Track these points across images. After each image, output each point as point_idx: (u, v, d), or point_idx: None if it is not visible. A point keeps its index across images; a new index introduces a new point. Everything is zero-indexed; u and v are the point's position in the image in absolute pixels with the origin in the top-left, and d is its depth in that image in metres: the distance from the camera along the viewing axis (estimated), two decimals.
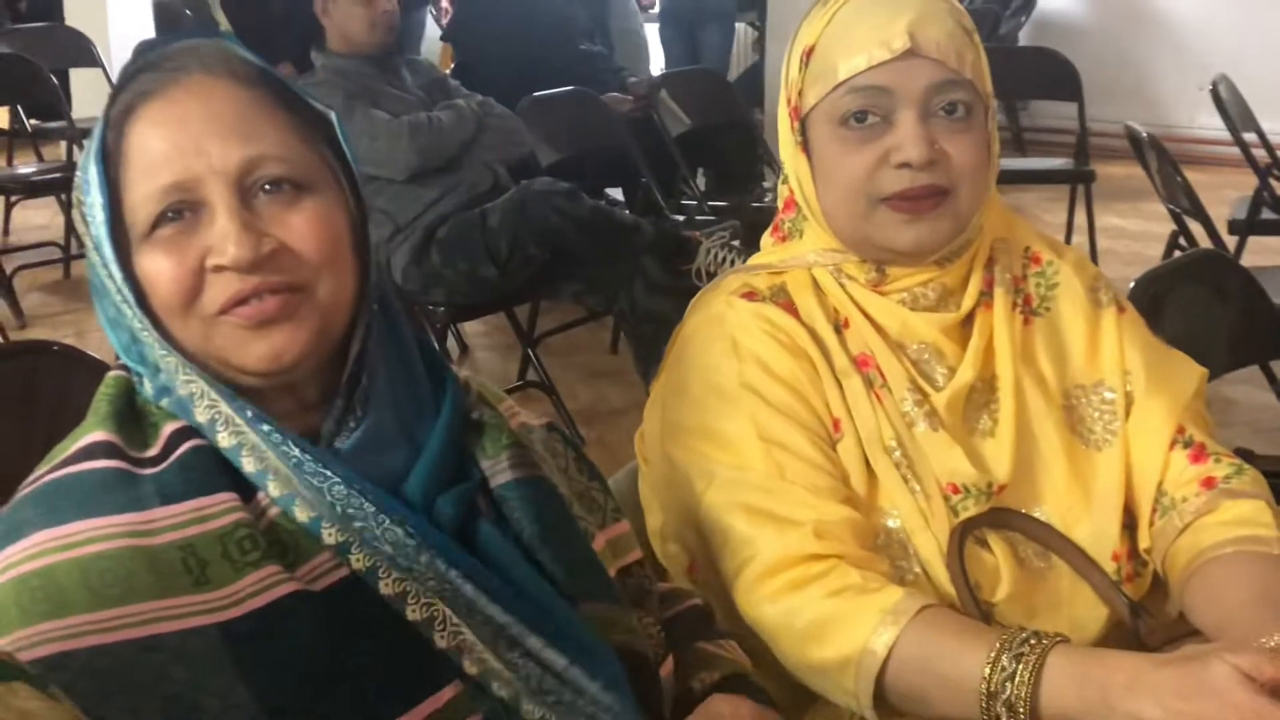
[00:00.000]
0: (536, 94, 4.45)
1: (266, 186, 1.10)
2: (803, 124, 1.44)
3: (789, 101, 1.45)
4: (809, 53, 1.42)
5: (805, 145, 1.44)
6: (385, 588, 1.08)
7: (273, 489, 1.09)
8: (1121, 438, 1.45)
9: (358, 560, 1.08)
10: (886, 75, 1.37)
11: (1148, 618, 1.39)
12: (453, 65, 5.71)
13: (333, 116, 1.17)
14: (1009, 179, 5.60)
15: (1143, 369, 1.47)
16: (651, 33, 7.39)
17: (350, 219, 1.15)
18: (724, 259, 3.74)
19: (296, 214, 1.10)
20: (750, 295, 1.44)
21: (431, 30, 7.36)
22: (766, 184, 5.39)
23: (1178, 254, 4.02)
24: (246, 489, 1.09)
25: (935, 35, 1.38)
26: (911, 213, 1.39)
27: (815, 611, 1.31)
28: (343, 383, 1.14)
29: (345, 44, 3.94)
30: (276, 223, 1.10)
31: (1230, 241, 4.23)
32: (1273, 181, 4.54)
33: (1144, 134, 3.80)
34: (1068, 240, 5.34)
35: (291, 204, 1.11)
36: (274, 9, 5.41)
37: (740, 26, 8.08)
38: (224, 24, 5.87)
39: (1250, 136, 4.57)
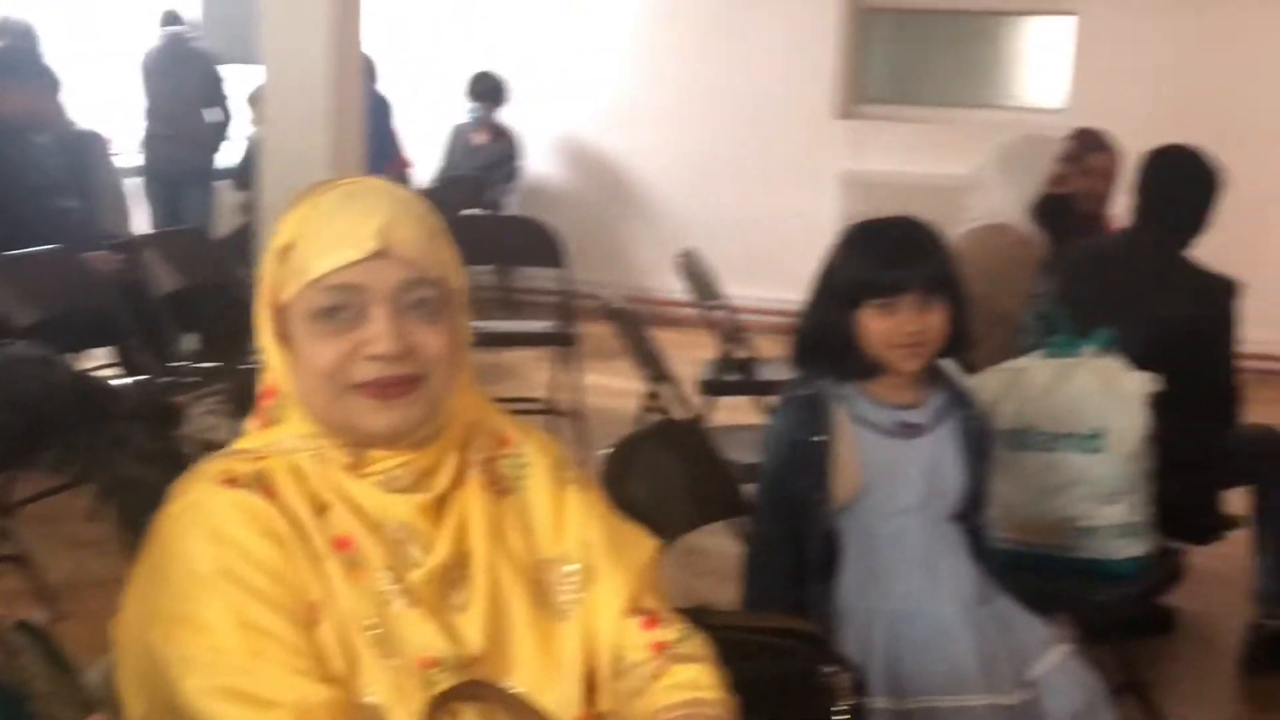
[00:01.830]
0: (9, 253, 4.29)
1: None
2: (281, 315, 1.50)
3: (267, 295, 1.50)
4: (286, 249, 1.49)
5: (284, 336, 1.50)
6: None
7: None
8: (583, 607, 1.57)
9: None
10: (358, 274, 1.46)
11: None
12: None
13: None
14: (500, 340, 5.82)
15: (602, 542, 1.59)
16: (135, 189, 7.22)
17: None
18: (214, 424, 3.70)
19: None
20: (230, 482, 1.47)
21: None
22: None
23: (651, 414, 4.30)
24: None
25: (404, 237, 1.47)
26: (384, 399, 1.47)
27: None
28: None
29: None
30: None
31: (701, 401, 4.55)
32: (736, 345, 4.94)
33: (618, 303, 4.07)
34: (554, 399, 5.60)
35: None
36: None
37: (222, 186, 8.00)
38: None
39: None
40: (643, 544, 1.65)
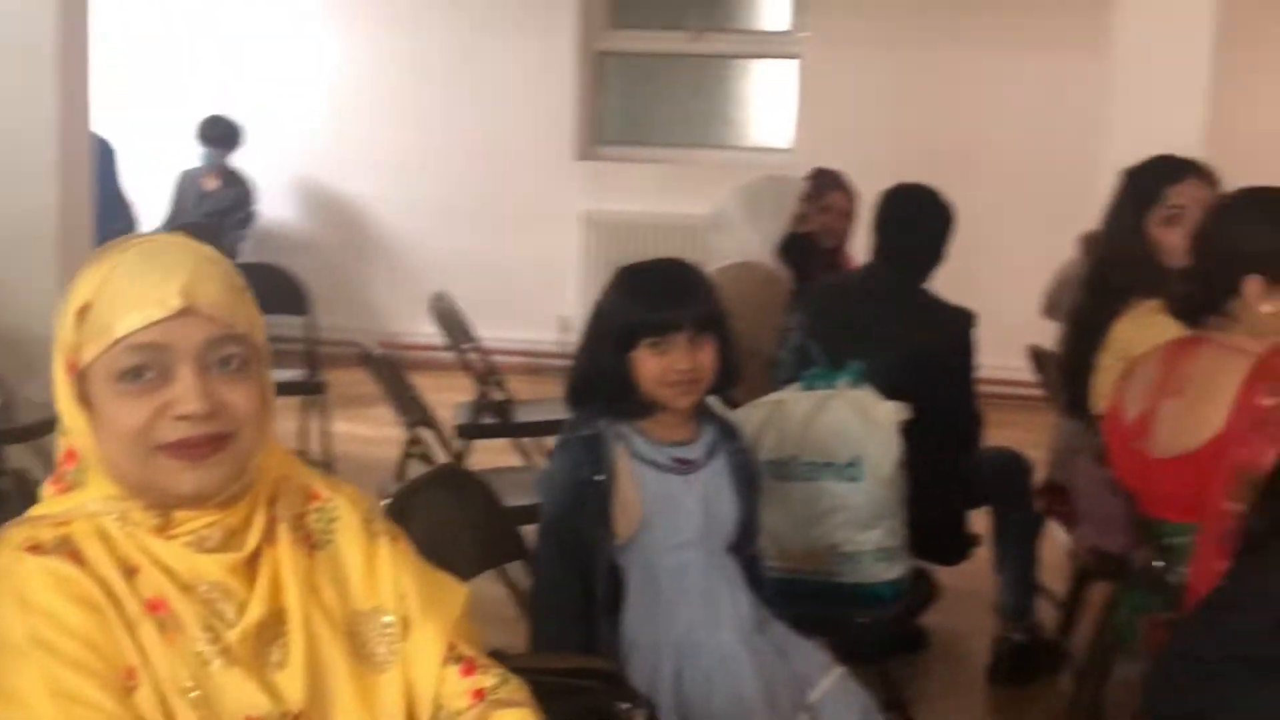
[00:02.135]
0: None
1: None
2: (81, 378, 1.46)
3: (66, 357, 1.46)
4: (85, 310, 1.45)
5: (84, 399, 1.46)
6: None
7: None
8: (401, 658, 1.57)
9: None
10: (162, 333, 1.44)
11: None
12: None
13: None
14: None
15: (415, 593, 1.60)
16: None
17: None
18: None
19: None
20: (35, 549, 1.43)
21: None
22: None
23: (411, 461, 4.28)
24: None
25: (208, 294, 1.46)
26: (192, 459, 1.45)
27: None
28: None
29: None
30: None
31: (459, 445, 4.55)
32: (491, 387, 4.95)
33: (374, 349, 4.04)
34: (304, 448, 5.50)
35: None
36: None
37: None
38: None
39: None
40: (455, 592, 1.66)
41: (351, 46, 8.10)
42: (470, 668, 1.59)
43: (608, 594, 2.54)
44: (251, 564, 1.51)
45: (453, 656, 1.59)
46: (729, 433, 2.73)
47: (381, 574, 1.60)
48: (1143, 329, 3.15)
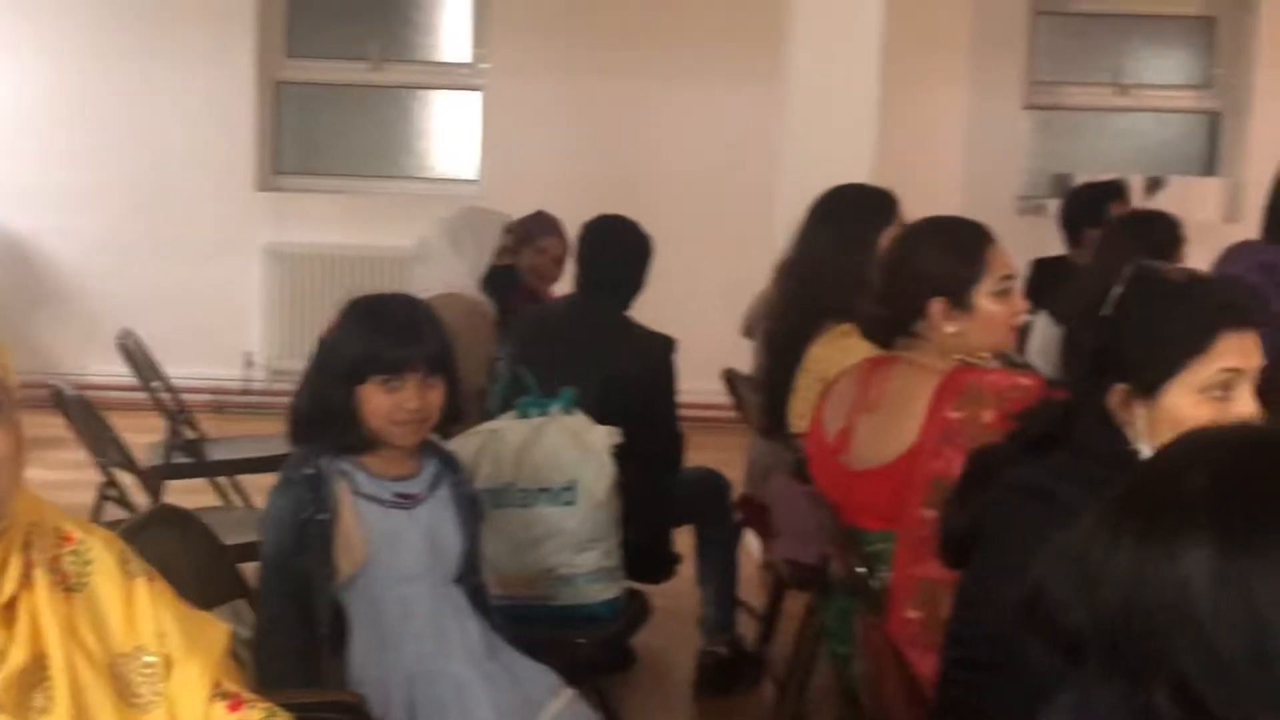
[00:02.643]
0: None
1: None
2: None
3: None
4: None
5: None
6: None
7: None
8: (166, 698, 1.55)
9: None
10: None
11: None
12: None
13: None
14: None
15: (175, 631, 1.59)
16: None
17: None
18: None
19: None
20: None
21: None
22: None
23: (106, 504, 4.14)
24: None
25: None
26: None
27: None
28: None
29: None
30: None
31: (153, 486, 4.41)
32: (182, 426, 4.82)
33: (67, 390, 3.89)
34: None
35: None
36: None
37: None
38: None
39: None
40: (216, 629, 1.65)
41: (18, 77, 7.72)
42: (236, 704, 1.59)
43: (332, 632, 2.54)
44: (9, 610, 1.48)
45: (218, 693, 1.59)
46: (450, 465, 2.76)
47: (141, 614, 1.58)
48: (837, 350, 3.34)
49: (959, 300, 2.80)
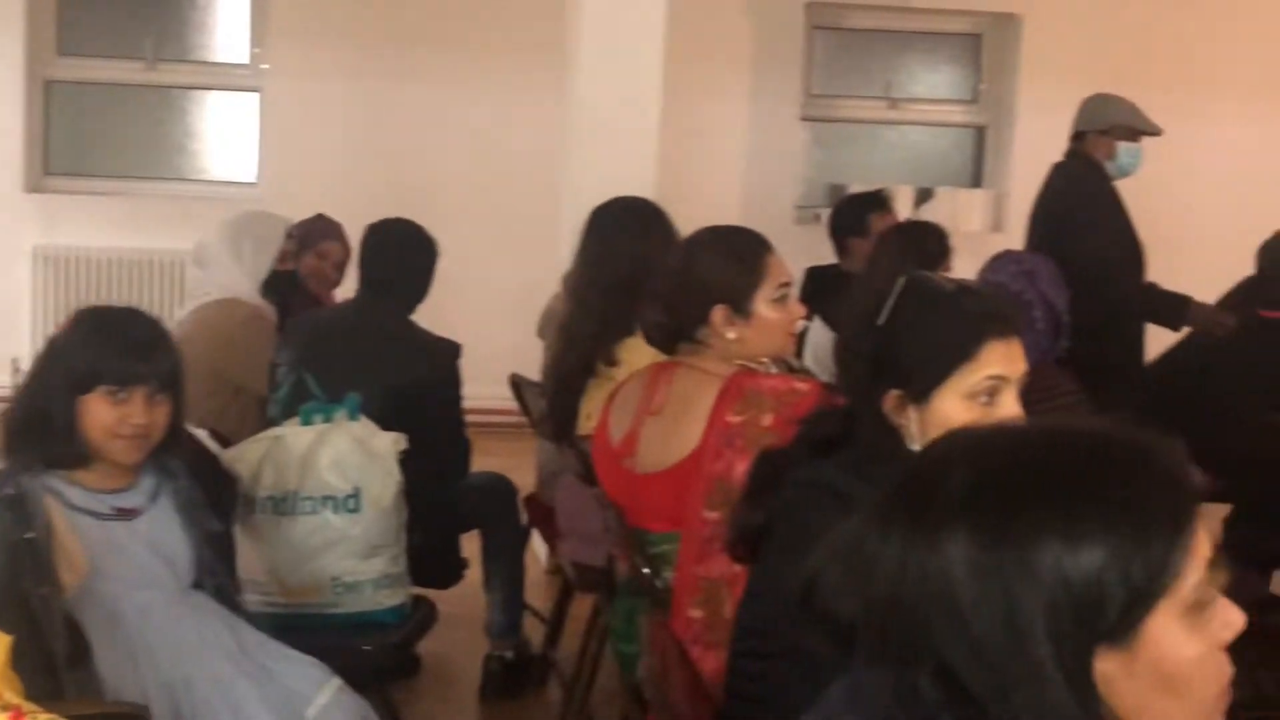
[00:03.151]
0: None
1: None
2: None
3: None
4: None
5: None
6: None
7: None
8: None
9: None
10: None
11: None
12: None
13: None
14: None
15: None
16: None
17: None
18: None
19: None
20: None
21: None
22: None
23: None
24: None
25: None
26: None
27: None
28: None
29: None
30: None
31: None
32: None
33: None
34: None
35: None
36: None
37: None
38: None
39: None
40: None
41: None
42: (18, 715, 1.56)
43: (71, 648, 2.47)
44: None
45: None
46: (170, 472, 2.71)
47: None
48: (626, 353, 3.41)
49: (739, 307, 2.88)
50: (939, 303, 2.06)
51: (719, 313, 2.88)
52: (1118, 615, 1.18)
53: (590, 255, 3.81)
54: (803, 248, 5.88)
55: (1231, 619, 1.23)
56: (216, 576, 2.74)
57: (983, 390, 2.03)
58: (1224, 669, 1.24)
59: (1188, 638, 1.20)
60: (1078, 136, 5.15)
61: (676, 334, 2.96)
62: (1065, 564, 1.17)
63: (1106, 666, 1.18)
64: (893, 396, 2.04)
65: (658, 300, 3.01)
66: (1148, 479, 1.22)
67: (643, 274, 3.31)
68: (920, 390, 2.03)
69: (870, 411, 2.06)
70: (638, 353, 3.39)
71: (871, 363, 2.07)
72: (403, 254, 4.01)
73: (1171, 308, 5.05)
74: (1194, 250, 5.27)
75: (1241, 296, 5.10)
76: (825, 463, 2.06)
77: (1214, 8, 7.94)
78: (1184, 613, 1.20)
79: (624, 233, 3.77)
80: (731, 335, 2.89)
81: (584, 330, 3.68)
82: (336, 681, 2.72)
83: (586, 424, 3.47)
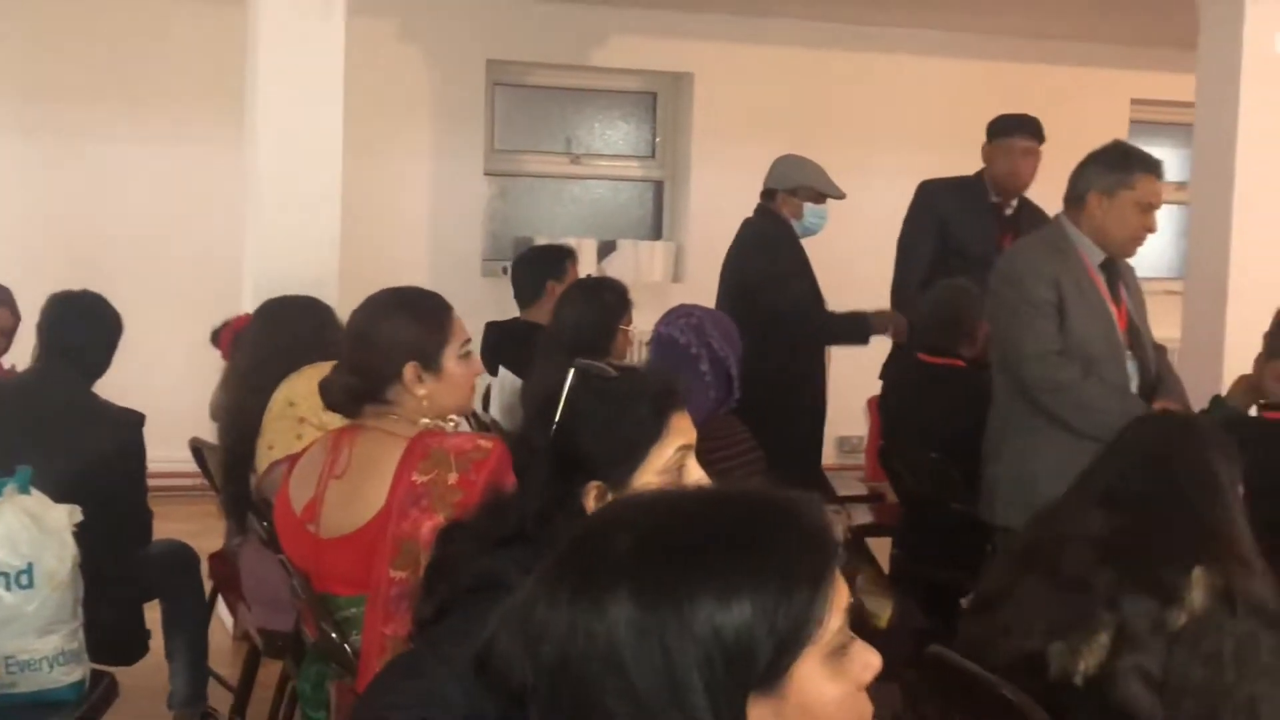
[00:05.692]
0: None
1: None
2: None
3: None
4: None
5: None
6: None
7: None
8: None
9: None
10: None
11: None
12: None
13: None
14: None
15: None
16: None
17: None
18: None
19: None
20: None
21: None
22: None
23: None
24: None
25: None
26: None
27: None
28: None
29: None
30: None
31: None
32: None
33: None
34: None
35: None
36: None
37: None
38: None
39: None
40: None
41: None
42: None
43: None
44: None
45: None
46: None
47: None
48: (304, 382, 3.45)
49: (429, 364, 2.95)
50: (614, 392, 2.17)
51: (410, 370, 2.93)
52: (767, 664, 1.28)
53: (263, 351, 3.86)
54: (491, 300, 5.97)
55: (870, 660, 1.35)
56: None
57: (675, 464, 2.15)
58: (865, 708, 1.36)
59: (831, 681, 1.31)
60: (768, 194, 5.37)
61: (365, 396, 2.99)
62: (718, 619, 1.27)
63: (759, 713, 1.28)
64: (594, 487, 2.13)
65: (344, 364, 3.03)
66: (792, 536, 1.34)
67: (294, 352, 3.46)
68: (618, 478, 2.12)
69: (567, 509, 2.11)
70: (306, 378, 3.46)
71: (556, 460, 2.14)
72: (87, 326, 3.95)
73: (855, 325, 5.38)
74: (855, 300, 5.57)
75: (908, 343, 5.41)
76: (504, 555, 2.05)
77: (866, 69, 8.43)
78: (826, 658, 1.31)
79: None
80: (421, 392, 2.95)
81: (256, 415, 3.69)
82: None
83: (269, 453, 3.50)
